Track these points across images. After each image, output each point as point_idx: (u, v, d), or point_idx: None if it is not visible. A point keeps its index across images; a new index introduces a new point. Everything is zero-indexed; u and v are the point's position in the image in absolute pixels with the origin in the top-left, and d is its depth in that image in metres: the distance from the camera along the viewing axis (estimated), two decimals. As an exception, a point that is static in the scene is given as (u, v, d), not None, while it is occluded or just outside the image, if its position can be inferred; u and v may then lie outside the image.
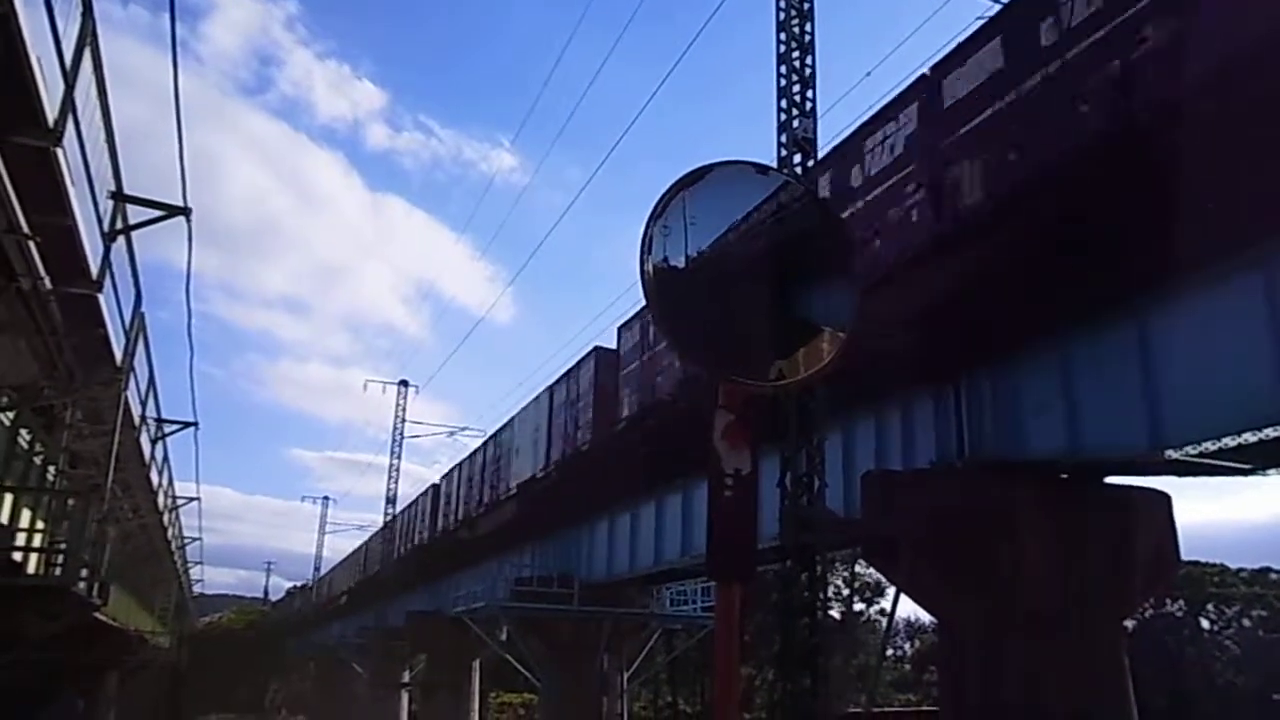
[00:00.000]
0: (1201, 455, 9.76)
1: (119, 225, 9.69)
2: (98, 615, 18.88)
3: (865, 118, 11.92)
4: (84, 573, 12.40)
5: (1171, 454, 9.71)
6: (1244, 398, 8.60)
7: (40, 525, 14.60)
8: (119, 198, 9.49)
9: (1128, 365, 9.84)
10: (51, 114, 6.44)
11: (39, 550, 13.25)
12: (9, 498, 13.59)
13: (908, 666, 67.67)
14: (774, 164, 12.11)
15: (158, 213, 10.16)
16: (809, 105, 12.68)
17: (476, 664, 35.75)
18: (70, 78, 6.72)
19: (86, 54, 7.08)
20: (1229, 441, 9.15)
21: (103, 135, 8.43)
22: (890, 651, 64.00)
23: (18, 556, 12.36)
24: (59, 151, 6.79)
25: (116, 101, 8.31)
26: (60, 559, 12.48)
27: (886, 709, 31.44)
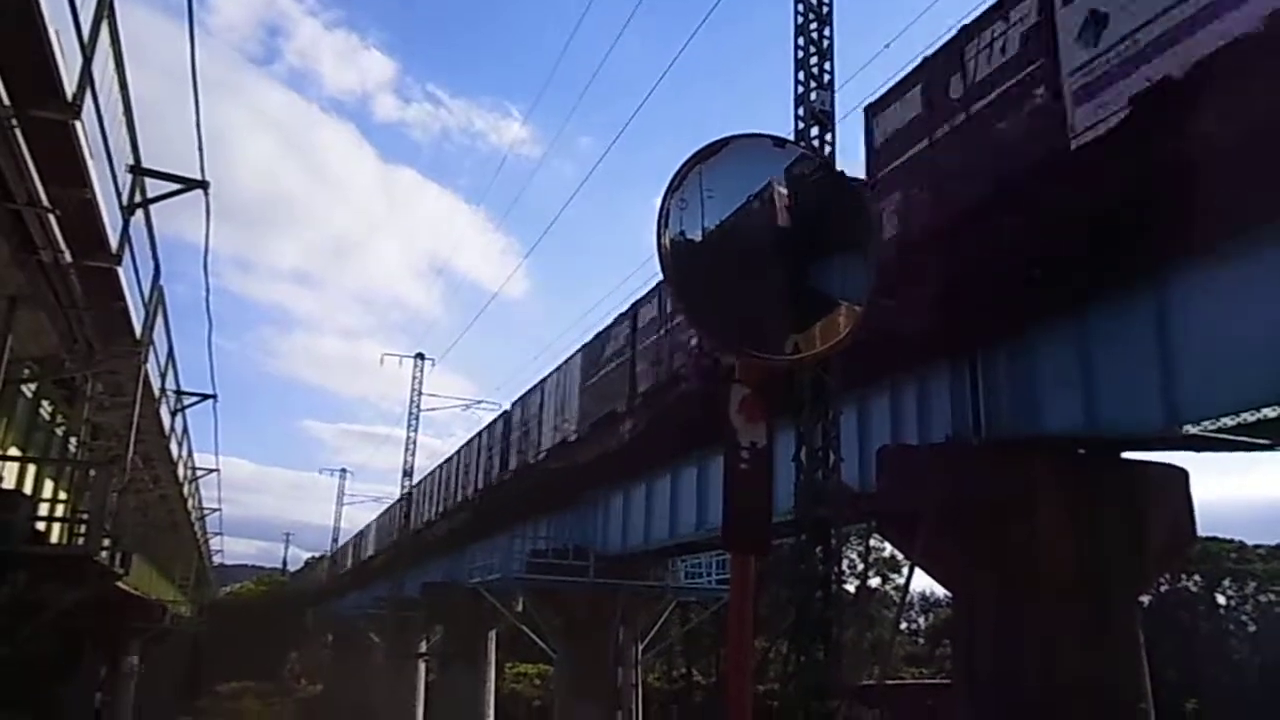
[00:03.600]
0: (1220, 431, 9.70)
1: (137, 199, 9.73)
2: (120, 584, 19.16)
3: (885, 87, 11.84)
4: (106, 542, 12.57)
5: (1189, 429, 9.65)
6: (1264, 372, 8.53)
7: (63, 496, 14.81)
8: (137, 171, 9.52)
9: (1145, 340, 9.78)
10: (70, 87, 6.46)
11: (62, 520, 13.44)
12: (32, 469, 13.77)
13: (921, 641, 67.98)
14: (791, 137, 12.05)
15: (175, 186, 10.21)
16: (826, 78, 12.59)
17: (493, 635, 36.11)
18: (88, 51, 6.74)
19: (104, 27, 7.08)
20: (1248, 417, 9.08)
21: (120, 109, 8.45)
22: (904, 626, 64.28)
23: (41, 526, 12.54)
24: (78, 125, 6.82)
25: (128, 74, 8.32)
26: (83, 529, 12.65)
27: (900, 681, 31.61)
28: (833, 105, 12.57)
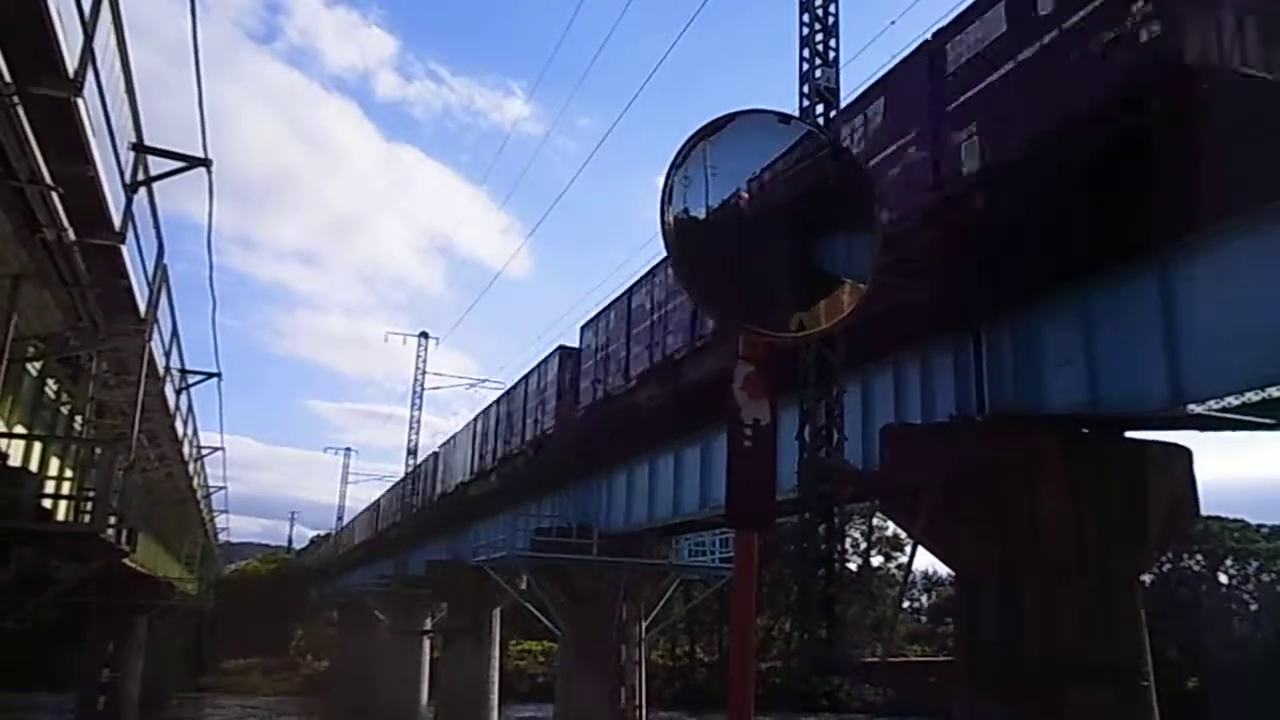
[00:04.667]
0: (1224, 410, 9.69)
1: (140, 176, 9.72)
2: (127, 561, 19.26)
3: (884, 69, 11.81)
4: (112, 520, 12.62)
5: (1193, 408, 9.64)
6: (1268, 351, 8.51)
7: (69, 473, 14.87)
8: (140, 149, 9.51)
9: (1149, 318, 9.76)
10: (71, 64, 6.44)
11: (68, 497, 13.49)
12: (38, 446, 13.82)
13: (923, 619, 68.44)
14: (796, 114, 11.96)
15: (178, 164, 10.19)
16: (832, 55, 12.49)
17: (497, 612, 36.31)
18: (89, 27, 6.71)
19: (105, 2, 7.05)
20: (1252, 396, 9.07)
21: (122, 86, 8.42)
22: (906, 604, 64.66)
23: (48, 504, 12.59)
24: (80, 102, 6.81)
25: (130, 51, 8.29)
26: (89, 506, 12.70)
27: (902, 658, 31.78)
28: (838, 82, 12.48)
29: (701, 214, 3.22)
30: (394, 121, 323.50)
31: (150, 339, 12.58)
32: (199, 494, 32.23)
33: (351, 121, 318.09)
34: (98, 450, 14.34)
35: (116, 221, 8.97)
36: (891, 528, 51.27)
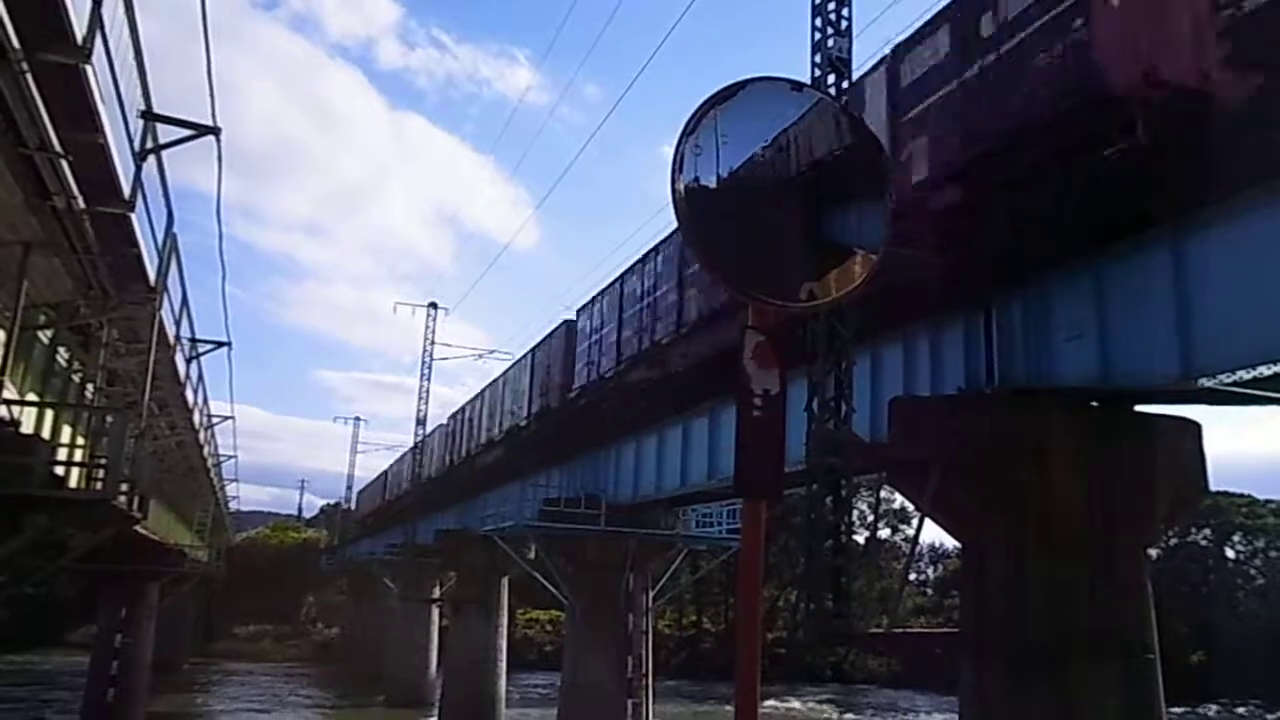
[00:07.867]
0: (1235, 384, 9.64)
1: (149, 145, 9.71)
2: (138, 528, 19.43)
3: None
4: (124, 487, 12.70)
5: (1204, 382, 9.60)
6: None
7: (80, 441, 14.95)
8: (149, 117, 9.48)
9: (1162, 291, 9.69)
10: (80, 31, 6.41)
11: (80, 464, 13.57)
12: (50, 414, 13.91)
13: (929, 592, 68.72)
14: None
15: (187, 132, 10.18)
16: (845, 24, 12.35)
17: (505, 581, 36.56)
18: (98, -8, 6.67)
19: (113, -32, 7.01)
20: (1264, 370, 9.03)
21: (131, 54, 8.39)
22: (913, 576, 64.86)
23: (60, 471, 12.67)
24: (88, 69, 6.78)
25: (138, 18, 8.24)
26: (101, 474, 12.77)
27: (908, 630, 31.93)
28: (850, 52, 12.35)
29: (713, 183, 3.19)
30: (399, 90, 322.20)
31: (160, 307, 12.61)
32: (209, 462, 32.41)
33: (356, 90, 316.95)
34: (109, 418, 14.40)
35: (126, 190, 8.97)
36: (899, 500, 51.44)
